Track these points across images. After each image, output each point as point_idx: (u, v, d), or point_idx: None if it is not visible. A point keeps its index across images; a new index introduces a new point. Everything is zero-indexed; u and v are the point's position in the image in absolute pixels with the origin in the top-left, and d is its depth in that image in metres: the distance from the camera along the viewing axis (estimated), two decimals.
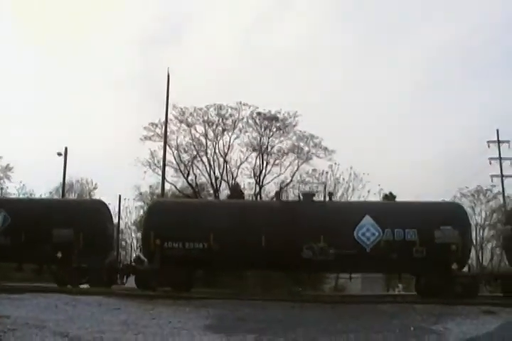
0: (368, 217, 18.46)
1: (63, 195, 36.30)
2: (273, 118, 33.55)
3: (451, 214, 19.18)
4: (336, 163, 33.02)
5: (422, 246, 18.04)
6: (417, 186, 47.10)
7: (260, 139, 33.69)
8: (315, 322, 12.39)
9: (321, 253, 17.99)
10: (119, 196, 21.42)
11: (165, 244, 18.46)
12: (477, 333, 10.30)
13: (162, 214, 19.33)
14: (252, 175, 33.57)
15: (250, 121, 33.63)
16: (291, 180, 33.34)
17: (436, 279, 17.96)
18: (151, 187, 38.16)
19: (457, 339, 10.42)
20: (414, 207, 20.64)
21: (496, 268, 27.22)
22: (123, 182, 42.17)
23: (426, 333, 11.28)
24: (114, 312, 12.90)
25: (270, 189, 33.77)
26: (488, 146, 37.39)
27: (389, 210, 19.99)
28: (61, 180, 36.23)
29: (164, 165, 31.28)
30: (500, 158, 37.06)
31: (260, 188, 33.41)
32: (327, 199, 20.74)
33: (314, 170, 33.57)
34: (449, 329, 11.69)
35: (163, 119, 31.66)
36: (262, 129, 33.65)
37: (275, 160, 33.71)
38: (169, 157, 32.71)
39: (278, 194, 23.21)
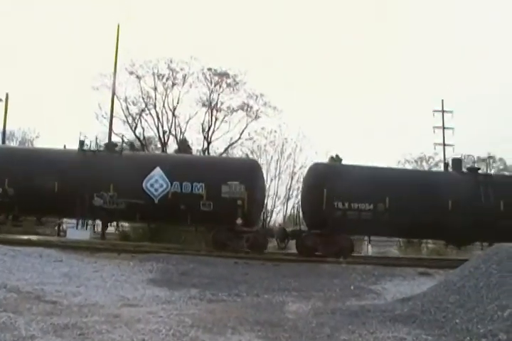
0: (158, 168, 18.60)
1: (3, 142, 34.92)
2: (224, 74, 33.03)
3: (241, 169, 19.24)
4: (284, 123, 33.12)
5: (209, 200, 18.35)
6: (365, 150, 48.08)
7: (210, 95, 33.20)
8: (258, 279, 12.59)
9: (111, 202, 18.34)
10: (64, 146, 20.75)
11: None
12: (412, 293, 10.70)
13: None
14: (201, 130, 33.27)
15: (201, 76, 33.04)
16: (240, 138, 33.38)
17: (223, 233, 18.45)
18: (97, 138, 37.08)
19: (393, 298, 10.83)
20: (206, 162, 21.17)
21: None
22: (70, 133, 40.75)
23: (365, 292, 11.70)
24: (55, 264, 12.71)
25: (218, 145, 33.71)
26: (433, 115, 38.34)
27: (180, 164, 20.00)
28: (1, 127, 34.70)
29: (112, 116, 30.41)
30: (443, 128, 38.05)
31: (208, 144, 33.20)
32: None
33: (263, 128, 33.58)
34: (387, 289, 12.17)
35: (112, 70, 30.67)
36: (213, 85, 33.13)
37: (224, 117, 33.34)
38: (117, 109, 31.84)
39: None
